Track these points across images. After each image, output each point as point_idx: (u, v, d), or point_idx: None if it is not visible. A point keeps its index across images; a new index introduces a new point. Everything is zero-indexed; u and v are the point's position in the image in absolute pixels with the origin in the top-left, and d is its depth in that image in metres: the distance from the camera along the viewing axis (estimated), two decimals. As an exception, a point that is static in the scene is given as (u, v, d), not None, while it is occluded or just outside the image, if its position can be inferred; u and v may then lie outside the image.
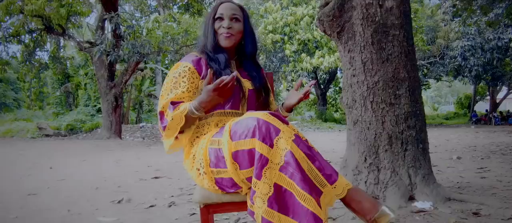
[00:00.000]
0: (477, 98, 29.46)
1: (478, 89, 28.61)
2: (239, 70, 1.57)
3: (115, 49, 10.28)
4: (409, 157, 2.59)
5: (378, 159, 2.63)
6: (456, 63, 16.69)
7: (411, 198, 2.53)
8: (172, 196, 3.28)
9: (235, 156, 1.18)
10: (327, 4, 2.84)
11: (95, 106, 18.11)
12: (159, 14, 15.81)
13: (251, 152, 1.14)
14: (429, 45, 16.98)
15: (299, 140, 1.16)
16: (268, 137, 1.12)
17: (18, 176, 4.69)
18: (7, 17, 10.67)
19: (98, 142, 10.57)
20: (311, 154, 1.15)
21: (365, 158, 2.67)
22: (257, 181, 1.11)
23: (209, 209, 1.31)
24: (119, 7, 14.78)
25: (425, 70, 22.70)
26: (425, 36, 17.86)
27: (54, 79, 20.28)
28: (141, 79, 19.15)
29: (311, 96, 31.19)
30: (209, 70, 1.34)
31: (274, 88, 1.82)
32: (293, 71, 18.33)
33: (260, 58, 20.04)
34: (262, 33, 17.28)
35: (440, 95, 59.40)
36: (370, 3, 2.61)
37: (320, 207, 1.07)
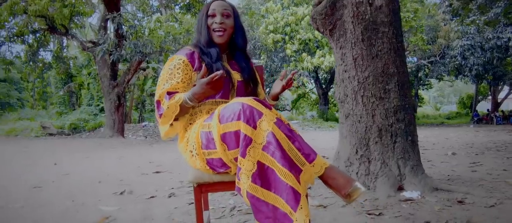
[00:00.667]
0: (479, 97, 29.46)
1: (480, 89, 28.62)
2: (230, 63, 1.70)
3: (118, 48, 10.41)
4: (398, 149, 2.70)
5: (369, 151, 2.74)
6: (456, 62, 16.76)
7: (400, 188, 2.64)
8: (172, 188, 3.40)
9: (223, 137, 1.30)
10: (319, 2, 2.96)
11: (98, 105, 18.27)
12: (161, 14, 15.95)
13: (237, 134, 1.26)
14: (429, 44, 17.05)
15: (280, 123, 1.27)
16: (251, 120, 1.24)
17: (23, 171, 4.83)
18: (11, 17, 10.81)
19: (101, 140, 10.72)
20: (292, 135, 1.26)
21: (357, 150, 2.79)
22: (242, 159, 1.23)
23: (202, 188, 1.43)
24: (121, 7, 14.94)
25: (427, 70, 22.76)
26: (426, 35, 17.93)
27: (58, 79, 20.46)
28: (144, 78, 19.30)
29: (313, 96, 31.30)
30: (203, 65, 1.46)
31: (264, 80, 1.93)
32: (293, 70, 18.43)
33: (261, 57, 20.18)
34: (263, 33, 17.39)
35: (442, 95, 59.38)
36: (360, 2, 2.73)
37: (299, 183, 1.19)
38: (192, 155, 1.44)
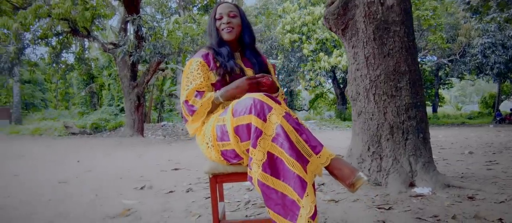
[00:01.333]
0: (502, 97, 28.71)
1: (503, 88, 27.89)
2: (243, 60, 1.83)
3: (137, 50, 10.65)
4: (410, 146, 2.75)
5: (381, 148, 2.80)
6: (477, 60, 16.42)
7: (412, 185, 2.69)
8: (190, 184, 3.52)
9: (236, 130, 1.41)
10: (332, 3, 3.03)
11: (118, 105, 18.67)
12: (179, 16, 16.20)
13: (248, 126, 1.36)
14: (449, 43, 16.76)
15: (288, 117, 1.37)
16: (262, 113, 1.34)
17: (49, 167, 5.06)
18: (36, 21, 11.19)
19: (121, 139, 11.00)
20: (299, 128, 1.36)
21: (369, 147, 2.85)
22: (253, 149, 1.33)
23: (216, 179, 1.54)
24: (140, 9, 15.25)
25: (447, 69, 22.34)
26: (446, 33, 17.63)
27: (79, 80, 21.00)
28: (162, 79, 19.63)
29: (331, 96, 31.16)
30: (266, 75, 1.63)
31: (277, 79, 2.02)
32: (311, 70, 18.42)
33: (278, 57, 20.23)
34: (280, 33, 17.43)
35: (464, 95, 58.10)
36: (372, 2, 2.79)
37: (306, 172, 1.28)
38: (208, 146, 1.56)
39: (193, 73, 1.67)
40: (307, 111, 31.38)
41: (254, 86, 1.57)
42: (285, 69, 21.83)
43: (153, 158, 6.11)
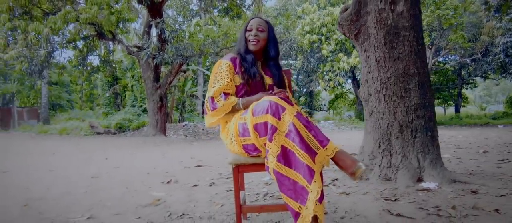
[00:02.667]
0: (527, 96, 27.95)
1: (528, 87, 27.14)
2: (264, 69, 2.08)
3: (160, 52, 11.04)
4: (418, 143, 2.93)
5: (390, 145, 2.98)
6: (500, 60, 16.14)
7: (419, 180, 2.86)
8: (212, 179, 3.78)
9: (256, 127, 1.65)
10: (346, 9, 3.23)
11: (141, 106, 19.21)
12: (200, 18, 16.58)
13: (266, 124, 1.61)
14: (471, 42, 16.53)
15: (299, 116, 1.60)
16: (276, 113, 1.59)
17: (80, 164, 5.42)
18: (65, 25, 11.71)
19: (145, 139, 11.42)
20: (309, 126, 1.59)
21: (379, 144, 3.04)
22: (269, 143, 1.58)
23: (239, 169, 1.78)
24: (163, 12, 15.69)
25: (470, 68, 21.97)
26: (468, 32, 17.38)
27: (104, 81, 21.68)
28: (184, 80, 20.09)
29: (351, 96, 31.02)
30: (283, 91, 1.90)
31: (291, 83, 2.25)
32: (330, 70, 18.50)
33: (298, 58, 20.38)
34: (299, 34, 17.59)
35: (489, 94, 56.65)
36: (383, 8, 2.98)
37: (314, 163, 1.51)
38: (232, 141, 1.81)
39: (221, 73, 1.93)
40: (326, 111, 31.34)
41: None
42: (305, 70, 21.94)
43: (176, 156, 6.42)
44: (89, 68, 14.68)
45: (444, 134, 10.57)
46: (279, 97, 1.65)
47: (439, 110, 35.15)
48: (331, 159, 1.58)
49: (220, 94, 1.88)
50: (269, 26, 2.05)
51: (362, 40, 3.13)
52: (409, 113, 2.94)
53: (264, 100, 1.65)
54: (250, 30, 2.01)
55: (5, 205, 2.84)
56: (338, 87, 22.96)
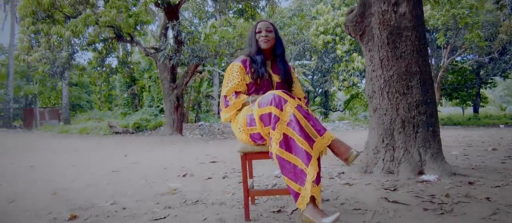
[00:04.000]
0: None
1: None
2: (273, 67, 2.31)
3: (177, 53, 11.35)
4: (420, 138, 3.08)
5: (393, 140, 3.14)
6: (517, 59, 15.91)
7: (421, 173, 3.01)
8: (226, 173, 4.00)
9: (261, 117, 1.86)
10: (351, 11, 3.41)
11: (158, 106, 19.64)
12: (216, 20, 16.86)
13: (270, 114, 1.82)
14: (487, 41, 16.33)
15: (300, 108, 1.80)
16: (279, 105, 1.79)
17: (102, 160, 5.72)
18: (85, 28, 12.14)
19: (162, 138, 11.75)
20: (308, 116, 1.79)
21: (383, 139, 3.20)
22: (272, 131, 1.79)
23: (246, 156, 2.00)
24: (179, 14, 16.03)
25: (488, 68, 21.66)
26: (486, 31, 17.17)
27: (122, 82, 22.21)
28: (200, 81, 20.45)
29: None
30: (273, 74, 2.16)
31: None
32: (344, 70, 18.56)
33: (312, 58, 20.49)
34: (313, 34, 17.71)
35: (510, 94, 55.37)
36: (386, 10, 3.14)
37: (312, 149, 1.71)
38: (240, 131, 2.03)
39: (233, 75, 2.18)
40: (342, 111, 31.27)
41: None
42: (320, 70, 22.03)
43: (192, 153, 6.67)
44: (107, 69, 15.13)
45: (458, 134, 10.56)
46: (282, 91, 1.85)
47: (457, 110, 34.64)
48: (328, 146, 1.77)
49: (232, 93, 2.12)
50: (274, 27, 2.28)
51: (367, 40, 3.30)
52: (411, 110, 3.10)
53: (269, 93, 1.86)
54: (259, 32, 2.24)
55: (35, 194, 3.11)
56: (353, 87, 22.97)
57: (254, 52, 2.23)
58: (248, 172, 2.38)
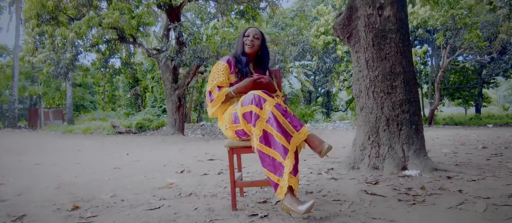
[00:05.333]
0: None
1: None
2: (255, 70, 2.47)
3: (179, 55, 11.55)
4: (404, 135, 3.24)
5: (379, 137, 3.30)
6: (517, 59, 15.99)
7: (404, 168, 3.18)
8: (222, 169, 4.18)
9: (244, 115, 2.04)
10: (340, 15, 3.57)
11: (160, 107, 19.88)
12: (218, 20, 17.05)
13: (251, 113, 1.99)
14: (487, 41, 16.40)
15: (278, 106, 1.97)
16: (259, 103, 1.97)
17: (105, 158, 5.91)
18: (89, 30, 12.37)
19: (164, 137, 11.95)
20: (285, 114, 1.96)
21: (369, 137, 3.36)
22: (253, 127, 1.97)
23: (233, 150, 2.18)
24: (181, 16, 16.24)
25: (490, 67, 21.72)
26: (486, 31, 17.23)
27: (125, 83, 22.48)
28: (201, 81, 20.66)
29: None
30: (255, 74, 2.27)
31: (282, 82, 2.63)
32: (345, 71, 18.70)
33: (313, 59, 20.64)
34: (313, 35, 17.87)
35: (513, 94, 55.10)
36: (371, 14, 3.31)
37: (289, 143, 1.88)
38: (226, 128, 2.21)
39: (218, 73, 2.33)
40: (344, 111, 31.37)
41: (256, 85, 2.20)
42: (321, 70, 22.17)
43: (192, 151, 6.86)
44: (111, 70, 15.36)
45: (457, 133, 10.69)
46: (262, 91, 2.02)
47: (459, 110, 34.64)
48: (304, 141, 1.94)
49: (215, 88, 2.28)
50: (263, 36, 2.45)
51: (354, 42, 3.46)
52: (395, 108, 3.26)
53: (250, 93, 2.03)
54: (247, 36, 2.40)
55: (41, 188, 3.31)
56: (354, 87, 23.08)
57: (240, 53, 2.39)
58: (237, 167, 2.56)
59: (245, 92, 2.16)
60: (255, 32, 2.42)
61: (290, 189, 1.85)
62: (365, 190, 2.52)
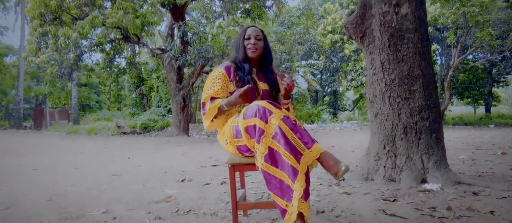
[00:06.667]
0: None
1: None
2: (259, 75, 2.19)
3: (183, 54, 11.33)
4: (423, 145, 2.96)
5: (395, 147, 3.03)
6: (530, 58, 15.54)
7: (424, 181, 2.90)
8: (225, 178, 3.92)
9: (247, 129, 1.77)
10: (351, 13, 3.30)
11: (166, 106, 19.68)
12: (224, 19, 16.81)
13: (255, 127, 1.72)
14: (499, 39, 15.97)
15: (286, 119, 1.71)
16: (264, 116, 1.70)
17: (106, 162, 5.70)
18: (92, 30, 12.19)
19: (168, 138, 11.74)
20: (295, 128, 1.69)
21: (384, 145, 3.09)
22: (257, 144, 1.70)
23: (235, 168, 1.91)
24: (187, 15, 16.01)
25: (501, 66, 21.26)
26: (498, 29, 16.79)
27: (131, 82, 22.32)
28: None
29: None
30: (247, 86, 1.94)
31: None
32: (352, 70, 18.36)
33: (320, 58, 20.31)
34: (320, 34, 17.55)
35: (524, 93, 54.29)
36: (387, 11, 3.03)
37: (299, 163, 1.62)
38: (227, 143, 1.94)
39: (214, 81, 2.06)
40: (351, 111, 31.00)
41: (245, 96, 1.90)
42: (328, 69, 21.84)
43: (195, 155, 6.62)
44: (116, 70, 15.20)
45: (469, 135, 10.35)
46: (268, 101, 1.76)
47: (468, 109, 34.06)
48: (317, 159, 1.67)
49: (209, 100, 2.00)
50: (263, 34, 2.17)
51: (367, 42, 3.19)
52: (413, 115, 2.98)
53: (254, 104, 1.77)
54: (248, 39, 2.12)
55: (32, 199, 3.10)
56: (362, 86, 22.77)
57: (241, 59, 2.11)
58: (240, 183, 2.31)
59: (238, 104, 1.93)
60: (256, 32, 2.13)
61: (300, 216, 1.58)
62: (383, 210, 2.25)
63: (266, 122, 1.69)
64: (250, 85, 1.87)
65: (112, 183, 3.83)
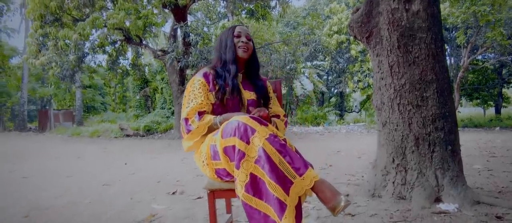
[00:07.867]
0: None
1: None
2: (244, 82, 1.88)
3: (185, 56, 11.07)
4: (437, 158, 2.63)
5: (405, 160, 2.70)
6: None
7: (438, 200, 2.57)
8: (219, 190, 3.62)
9: (225, 150, 1.45)
10: (357, 10, 2.98)
11: (170, 108, 19.43)
12: (228, 20, 16.53)
13: (234, 148, 1.41)
14: (510, 39, 15.48)
15: (272, 139, 1.38)
16: (245, 136, 1.38)
17: (98, 170, 5.45)
18: (93, 31, 11.99)
19: (170, 141, 11.47)
20: (283, 150, 1.37)
21: (393, 159, 2.76)
22: (236, 170, 1.38)
23: (214, 194, 1.60)
24: (191, 16, 15.75)
25: (510, 67, 20.73)
26: (509, 29, 16.30)
27: (135, 84, 22.14)
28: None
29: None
30: (263, 110, 1.68)
31: (283, 94, 2.05)
32: (359, 71, 17.97)
33: (326, 59, 19.94)
34: (326, 34, 17.21)
35: (535, 94, 53.27)
36: (396, 8, 2.70)
37: (288, 195, 1.30)
38: (204, 165, 1.62)
39: (195, 92, 1.73)
40: (357, 113, 30.54)
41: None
42: (334, 70, 21.46)
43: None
44: (120, 71, 15.00)
45: (480, 138, 9.95)
46: (250, 117, 1.44)
47: (478, 111, 33.39)
48: (311, 189, 1.36)
49: (194, 115, 1.67)
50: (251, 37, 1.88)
51: (374, 43, 2.87)
52: (426, 125, 2.65)
53: (233, 120, 1.45)
54: (238, 37, 1.82)
55: (10, 214, 2.89)
56: (369, 88, 22.34)
57: (230, 60, 1.79)
58: (225, 206, 2.00)
59: None
60: (246, 31, 1.85)
61: (291, 258, 1.27)
62: (392, 238, 1.93)
63: (248, 142, 1.37)
64: (266, 112, 1.62)
65: (99, 195, 3.58)
